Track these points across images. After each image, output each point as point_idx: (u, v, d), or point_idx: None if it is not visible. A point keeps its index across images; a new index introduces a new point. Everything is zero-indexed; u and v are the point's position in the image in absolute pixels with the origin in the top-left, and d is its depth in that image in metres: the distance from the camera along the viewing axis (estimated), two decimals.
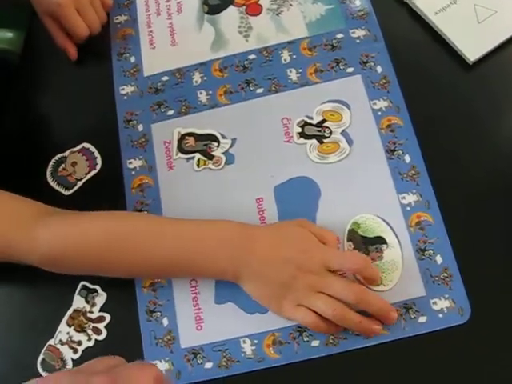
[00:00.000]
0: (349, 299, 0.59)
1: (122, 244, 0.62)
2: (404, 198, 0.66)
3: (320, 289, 0.60)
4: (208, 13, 0.79)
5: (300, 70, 0.73)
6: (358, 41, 0.74)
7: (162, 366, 0.63)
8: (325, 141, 0.70)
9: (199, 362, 0.63)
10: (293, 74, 0.73)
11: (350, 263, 0.61)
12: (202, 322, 0.64)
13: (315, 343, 0.62)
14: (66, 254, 0.62)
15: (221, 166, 0.70)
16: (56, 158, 0.74)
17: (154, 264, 0.63)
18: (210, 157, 0.71)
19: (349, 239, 0.65)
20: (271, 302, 0.62)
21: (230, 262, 0.61)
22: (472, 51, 0.71)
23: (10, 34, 0.81)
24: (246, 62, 0.75)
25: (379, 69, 0.72)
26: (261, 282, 0.61)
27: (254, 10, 0.78)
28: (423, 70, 0.72)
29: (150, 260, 0.62)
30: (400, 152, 0.68)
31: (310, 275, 0.60)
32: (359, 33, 0.74)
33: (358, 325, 0.60)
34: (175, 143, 0.72)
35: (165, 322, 0.65)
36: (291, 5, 0.78)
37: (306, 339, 0.62)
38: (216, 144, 0.71)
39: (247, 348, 0.63)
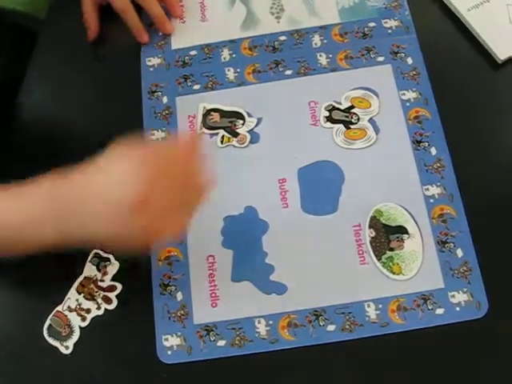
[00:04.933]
0: None
1: None
2: (428, 189, 0.66)
3: None
4: None
5: (330, 55, 0.73)
6: (389, 31, 0.74)
7: (174, 340, 0.62)
8: (352, 127, 0.69)
9: (212, 339, 0.62)
10: (323, 59, 0.73)
11: None
12: (217, 298, 0.63)
13: (331, 328, 0.61)
14: None
15: (245, 144, 0.70)
16: None
17: None
18: (235, 134, 0.70)
19: (370, 226, 0.65)
20: None
21: None
22: (502, 50, 0.71)
23: None
24: (276, 43, 0.74)
25: (409, 60, 0.72)
26: None
27: None
28: (453, 64, 0.72)
29: None
30: (426, 144, 0.68)
31: None
32: (391, 23, 0.74)
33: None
34: (200, 118, 0.71)
35: (179, 296, 0.64)
36: None
37: (322, 323, 0.61)
38: (241, 122, 0.70)
39: (262, 328, 0.62)
